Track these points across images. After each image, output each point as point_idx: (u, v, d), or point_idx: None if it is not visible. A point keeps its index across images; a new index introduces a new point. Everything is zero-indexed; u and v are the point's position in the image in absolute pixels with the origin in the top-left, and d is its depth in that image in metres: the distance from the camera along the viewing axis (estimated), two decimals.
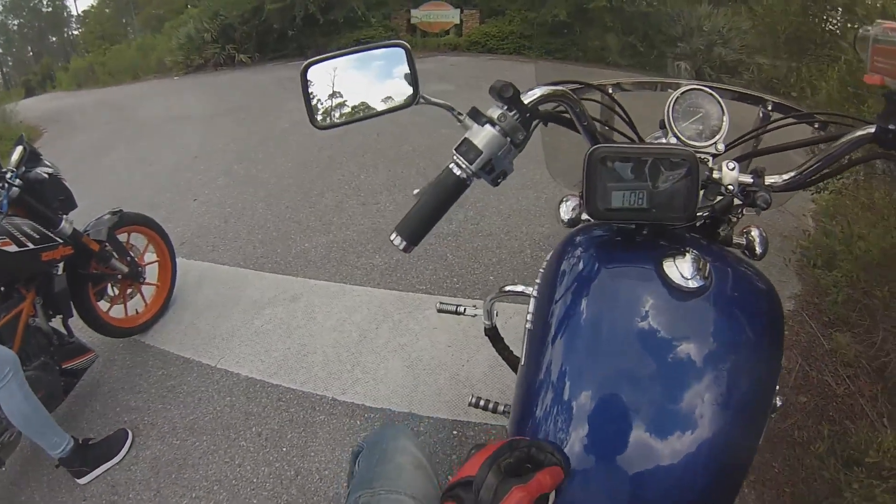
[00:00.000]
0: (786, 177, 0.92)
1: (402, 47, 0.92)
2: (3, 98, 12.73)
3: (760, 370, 0.80)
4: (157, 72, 12.86)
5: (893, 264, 1.97)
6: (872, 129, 0.83)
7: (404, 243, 0.85)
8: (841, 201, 2.44)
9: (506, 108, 0.84)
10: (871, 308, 2.12)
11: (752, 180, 0.88)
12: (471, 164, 0.83)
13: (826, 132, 1.00)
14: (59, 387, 2.40)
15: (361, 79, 0.95)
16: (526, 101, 0.86)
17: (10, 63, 35.67)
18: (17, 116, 9.88)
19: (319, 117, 0.95)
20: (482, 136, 0.83)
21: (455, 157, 0.83)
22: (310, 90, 0.93)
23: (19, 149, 2.40)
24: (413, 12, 13.01)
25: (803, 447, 1.85)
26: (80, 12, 35.15)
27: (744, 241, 0.97)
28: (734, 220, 0.96)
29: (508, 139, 0.84)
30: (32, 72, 26.18)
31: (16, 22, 34.90)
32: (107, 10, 30.95)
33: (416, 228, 0.84)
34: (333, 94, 0.94)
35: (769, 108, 1.08)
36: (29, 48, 35.59)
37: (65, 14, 35.91)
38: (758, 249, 0.96)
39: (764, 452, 1.87)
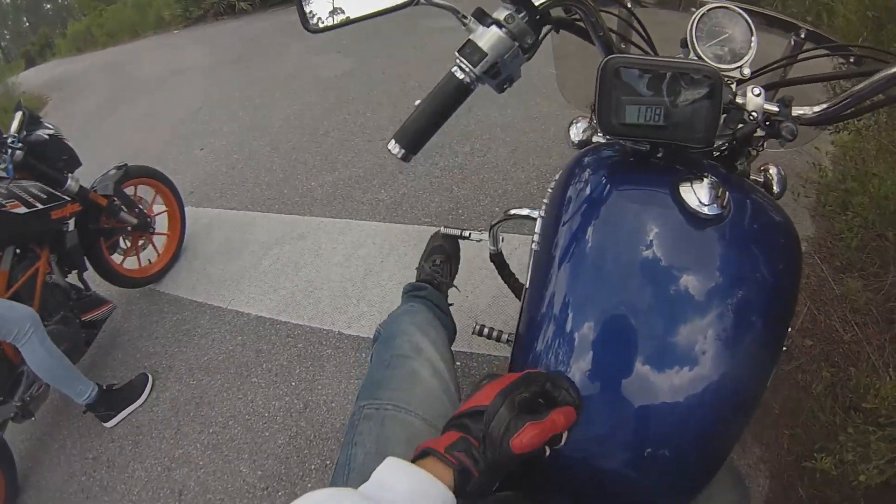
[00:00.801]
0: (816, 109, 0.84)
1: None
2: (4, 72, 12.71)
3: (774, 309, 0.76)
4: (156, 28, 12.61)
5: None
6: None
7: (402, 151, 0.80)
8: (861, 143, 2.31)
9: (514, 9, 0.78)
10: (882, 251, 2.04)
11: (778, 109, 0.81)
12: (475, 66, 0.77)
13: (861, 66, 0.93)
14: (80, 338, 2.50)
15: None
16: (536, 3, 0.79)
17: (8, 37, 35.29)
18: (19, 88, 9.93)
19: (312, 20, 0.90)
20: (488, 37, 0.77)
21: (458, 60, 0.78)
22: None
23: (18, 114, 2.45)
24: None
25: (805, 391, 1.82)
26: None
27: (761, 179, 0.93)
28: (754, 153, 0.91)
29: (516, 43, 0.78)
30: (31, 42, 25.89)
31: None
32: None
33: (414, 135, 0.80)
34: None
35: (802, 36, 1.00)
36: (24, 19, 35.12)
37: None
38: (775, 188, 0.92)
39: (765, 394, 1.86)
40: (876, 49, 0.94)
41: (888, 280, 1.99)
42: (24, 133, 2.41)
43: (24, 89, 9.79)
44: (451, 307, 1.53)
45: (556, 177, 0.95)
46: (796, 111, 0.83)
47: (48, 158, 2.49)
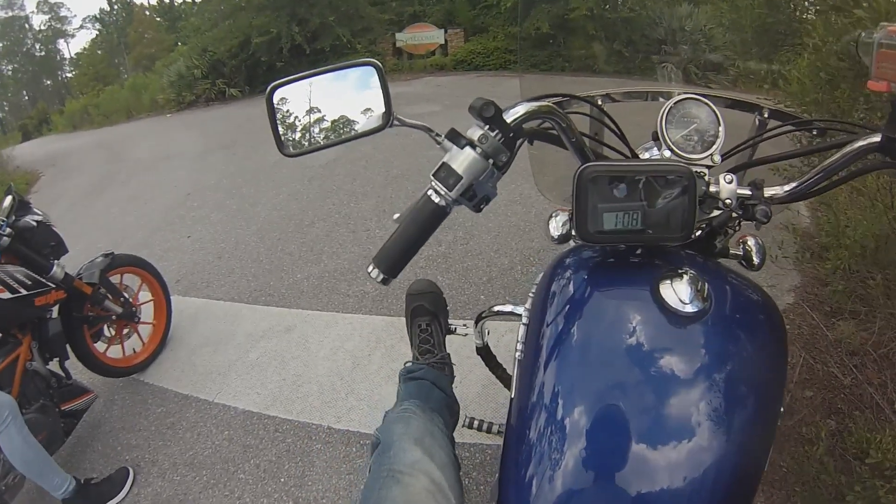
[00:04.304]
0: (787, 188, 0.87)
1: (373, 66, 0.86)
2: (0, 143, 12.87)
3: (766, 389, 0.76)
4: (150, 110, 13.01)
5: (886, 249, 1.89)
6: (878, 139, 0.77)
7: (382, 276, 0.79)
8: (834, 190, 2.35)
9: (487, 128, 0.77)
10: (868, 297, 2.04)
11: (750, 193, 0.83)
12: (450, 190, 0.77)
13: (825, 139, 0.96)
14: (59, 428, 2.43)
15: (332, 101, 0.88)
16: (509, 120, 0.79)
17: (6, 108, 36.15)
18: (13, 162, 10.03)
19: (288, 144, 0.89)
20: (462, 159, 0.77)
21: (433, 184, 0.77)
22: (277, 115, 0.87)
23: (8, 199, 2.47)
24: (398, 36, 13.18)
25: (812, 444, 1.77)
26: (72, 55, 35.91)
27: (741, 252, 0.93)
28: (731, 232, 0.92)
29: (490, 161, 0.78)
30: (29, 116, 26.49)
31: (10, 67, 35.35)
32: (99, 52, 31.58)
33: (394, 260, 0.79)
34: (302, 119, 0.88)
35: (765, 115, 1.04)
36: (24, 93, 36.03)
37: (58, 58, 36.49)
38: (755, 259, 0.92)
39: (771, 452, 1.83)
40: (838, 121, 0.99)
41: (877, 324, 1.98)
42: (13, 218, 2.42)
43: (19, 163, 9.89)
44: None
45: (537, 279, 0.95)
46: (768, 192, 0.85)
47: (35, 244, 2.49)
